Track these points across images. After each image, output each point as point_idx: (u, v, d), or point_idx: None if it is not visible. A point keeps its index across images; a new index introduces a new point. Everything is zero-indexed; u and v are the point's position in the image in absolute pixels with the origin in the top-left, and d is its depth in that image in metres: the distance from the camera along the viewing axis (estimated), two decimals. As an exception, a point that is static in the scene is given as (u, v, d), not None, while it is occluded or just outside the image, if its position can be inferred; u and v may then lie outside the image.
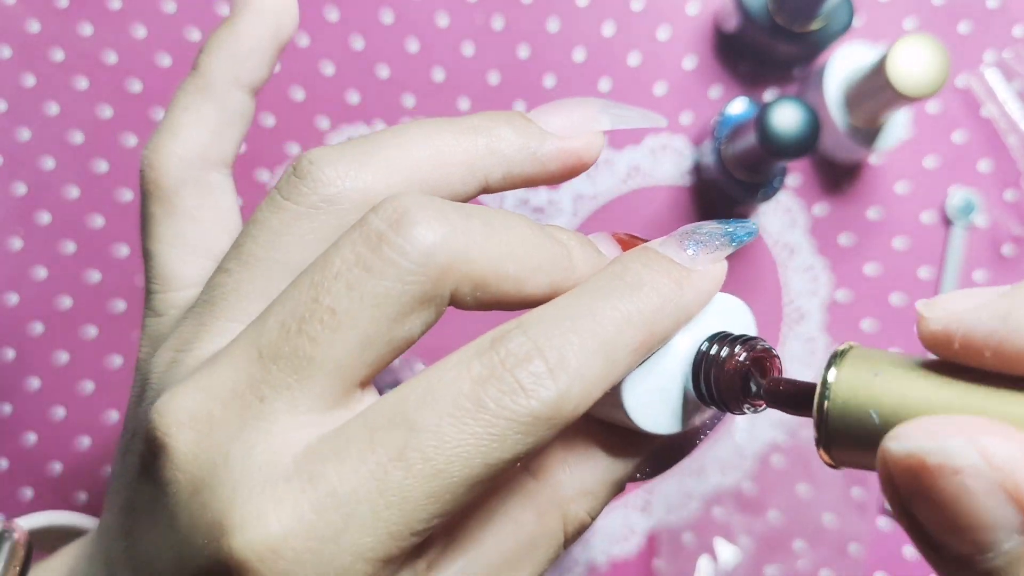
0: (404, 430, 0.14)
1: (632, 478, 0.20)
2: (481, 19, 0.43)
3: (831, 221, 0.43)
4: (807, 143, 0.35)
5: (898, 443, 0.13)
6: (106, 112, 0.43)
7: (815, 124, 0.35)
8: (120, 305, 0.42)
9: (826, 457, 0.15)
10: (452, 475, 0.14)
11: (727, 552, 0.41)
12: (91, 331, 0.42)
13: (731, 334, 0.18)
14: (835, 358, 0.15)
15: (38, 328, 0.42)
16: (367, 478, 0.14)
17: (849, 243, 0.43)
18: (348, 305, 0.15)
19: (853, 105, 0.39)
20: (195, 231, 0.19)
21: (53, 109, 0.42)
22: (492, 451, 0.14)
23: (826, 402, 0.14)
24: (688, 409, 0.19)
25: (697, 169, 0.42)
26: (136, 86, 0.43)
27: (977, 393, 0.13)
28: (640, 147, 0.43)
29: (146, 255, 0.20)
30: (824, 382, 0.14)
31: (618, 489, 0.19)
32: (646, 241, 0.18)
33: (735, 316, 0.19)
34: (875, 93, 0.37)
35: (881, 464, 0.13)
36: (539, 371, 0.15)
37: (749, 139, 0.36)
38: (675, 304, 0.16)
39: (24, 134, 0.42)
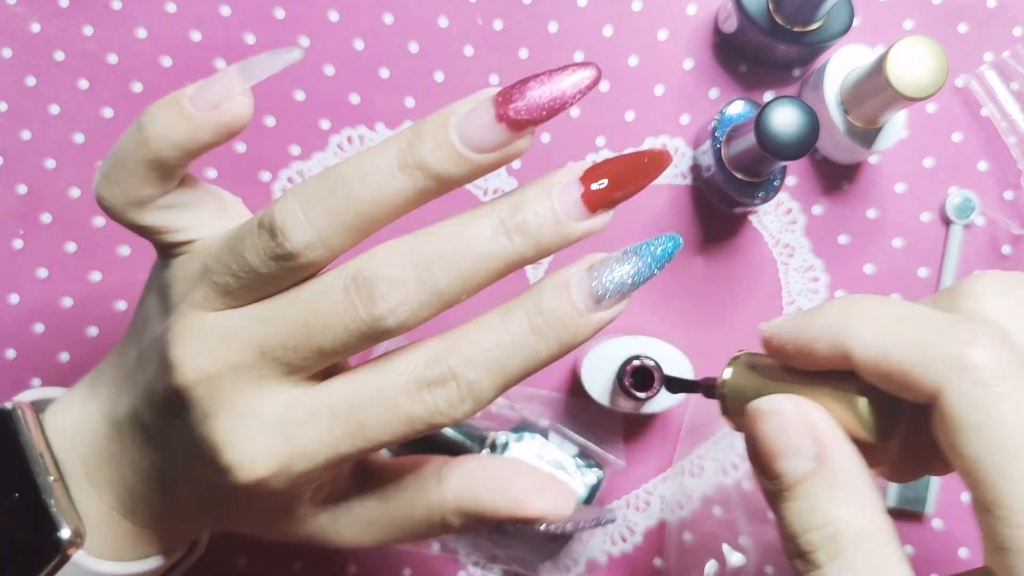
0: (355, 424, 0.22)
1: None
2: (481, 20, 0.43)
3: (830, 221, 0.43)
4: (806, 143, 0.35)
5: (754, 406, 0.22)
6: (107, 112, 0.43)
7: (814, 124, 0.35)
8: (121, 305, 0.42)
9: (729, 423, 0.24)
10: (371, 447, 0.22)
11: (734, 559, 0.41)
12: (92, 331, 0.42)
13: (640, 356, 0.36)
14: (732, 361, 0.24)
15: (39, 328, 0.42)
16: (324, 444, 0.22)
17: (848, 243, 0.43)
18: (322, 343, 0.22)
19: (852, 105, 0.39)
20: (180, 218, 0.25)
21: (54, 109, 0.43)
22: (400, 437, 0.22)
23: (724, 389, 0.23)
24: (612, 394, 0.35)
25: (696, 169, 0.42)
26: (137, 87, 0.43)
27: (800, 381, 0.22)
28: (640, 148, 0.43)
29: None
30: (723, 378, 0.24)
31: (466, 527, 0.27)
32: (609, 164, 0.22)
33: (675, 362, 0.38)
34: (874, 94, 0.37)
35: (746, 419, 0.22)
36: (453, 397, 0.21)
37: (748, 139, 0.36)
38: (566, 346, 0.22)
39: (25, 134, 0.42)
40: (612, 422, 0.41)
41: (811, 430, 0.20)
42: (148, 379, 0.25)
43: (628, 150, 0.21)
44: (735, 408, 0.23)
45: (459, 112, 0.21)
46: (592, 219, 0.22)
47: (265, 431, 0.22)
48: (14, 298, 0.42)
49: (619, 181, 0.22)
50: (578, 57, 0.43)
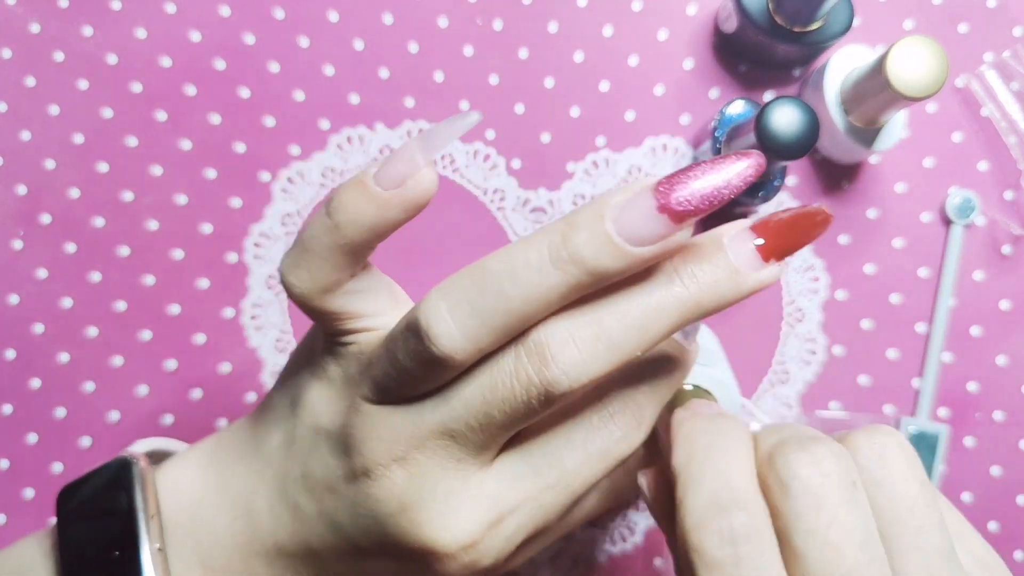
0: (558, 472, 0.23)
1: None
2: (481, 20, 0.43)
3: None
4: (806, 143, 0.35)
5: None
6: (107, 113, 0.43)
7: (814, 124, 0.35)
8: (121, 305, 0.42)
9: None
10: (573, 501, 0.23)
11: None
12: (92, 331, 0.42)
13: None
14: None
15: (39, 328, 0.42)
16: (530, 520, 0.23)
17: (849, 243, 0.43)
18: (504, 418, 0.21)
19: (852, 105, 0.39)
20: (361, 304, 0.25)
21: (54, 110, 0.43)
22: (599, 473, 0.23)
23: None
24: None
25: (697, 169, 0.42)
26: (137, 87, 0.43)
27: None
28: (640, 148, 0.43)
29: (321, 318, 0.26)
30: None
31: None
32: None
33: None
34: (874, 93, 0.37)
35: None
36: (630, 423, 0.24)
37: (748, 139, 0.36)
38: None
39: (25, 135, 0.42)
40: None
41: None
42: (309, 466, 0.24)
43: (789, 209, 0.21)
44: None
45: (616, 203, 0.20)
46: (767, 269, 0.21)
47: (476, 509, 0.22)
48: (14, 298, 0.42)
49: (786, 236, 0.21)
50: (577, 58, 0.43)
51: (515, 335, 0.21)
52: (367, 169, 0.23)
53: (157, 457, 0.29)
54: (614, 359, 0.20)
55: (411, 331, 0.21)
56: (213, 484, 0.26)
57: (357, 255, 0.23)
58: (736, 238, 0.21)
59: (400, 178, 0.22)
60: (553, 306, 0.20)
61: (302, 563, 0.25)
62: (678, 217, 0.20)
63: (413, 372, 0.21)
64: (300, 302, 0.24)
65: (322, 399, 0.25)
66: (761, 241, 0.21)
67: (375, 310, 0.25)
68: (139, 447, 0.29)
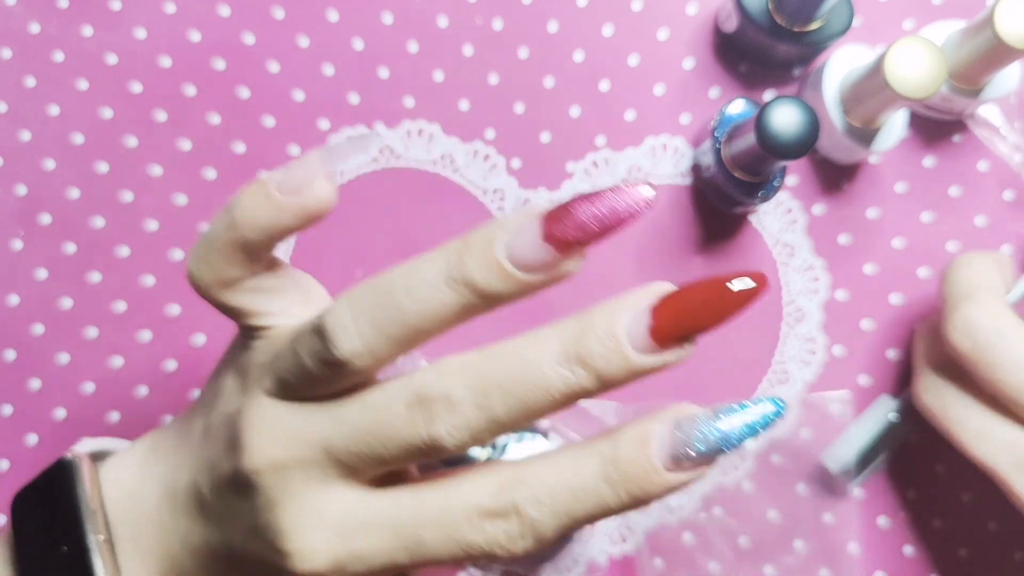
0: (414, 541, 0.22)
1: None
2: (481, 20, 0.43)
3: (831, 221, 0.43)
4: (807, 143, 0.35)
5: None
6: (107, 113, 0.43)
7: (815, 124, 0.35)
8: (121, 306, 0.42)
9: None
10: (425, 563, 0.22)
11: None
12: (92, 332, 0.42)
13: None
14: None
15: (39, 329, 0.42)
16: (381, 553, 0.22)
17: (849, 243, 0.43)
18: (384, 453, 0.22)
19: (852, 105, 0.39)
20: (265, 302, 0.26)
21: (54, 110, 0.43)
22: (455, 559, 0.21)
23: None
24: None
25: (696, 169, 0.42)
26: (137, 87, 0.43)
27: None
28: (640, 147, 0.43)
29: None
30: None
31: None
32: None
33: None
34: (873, 94, 0.37)
35: None
36: (514, 532, 0.21)
37: (748, 139, 0.36)
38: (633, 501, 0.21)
39: (25, 135, 0.42)
40: (613, 423, 0.41)
41: None
42: (214, 455, 0.25)
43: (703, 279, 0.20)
44: None
45: (508, 228, 0.20)
46: (665, 354, 0.20)
47: (327, 528, 0.22)
48: (13, 299, 0.42)
49: (695, 316, 0.20)
50: (577, 58, 0.43)
51: (416, 346, 0.22)
52: (273, 173, 0.24)
53: (103, 457, 0.30)
54: (497, 430, 0.21)
55: (316, 332, 0.22)
56: (151, 474, 0.27)
57: (253, 254, 0.24)
58: (635, 319, 0.20)
59: (297, 186, 0.23)
60: (448, 324, 0.21)
61: (203, 561, 0.26)
62: (564, 247, 0.20)
63: (313, 371, 0.22)
64: (201, 293, 0.25)
65: (232, 388, 0.25)
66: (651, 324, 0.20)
67: (280, 309, 0.26)
68: (82, 447, 0.30)
